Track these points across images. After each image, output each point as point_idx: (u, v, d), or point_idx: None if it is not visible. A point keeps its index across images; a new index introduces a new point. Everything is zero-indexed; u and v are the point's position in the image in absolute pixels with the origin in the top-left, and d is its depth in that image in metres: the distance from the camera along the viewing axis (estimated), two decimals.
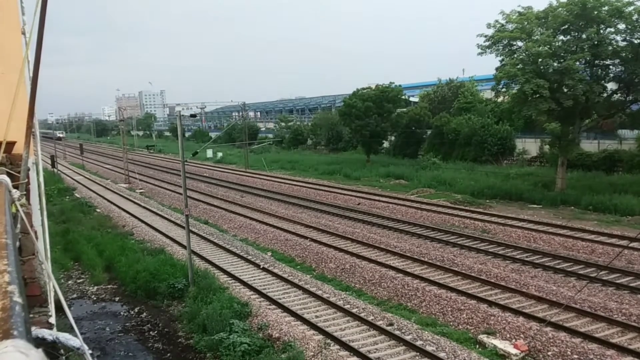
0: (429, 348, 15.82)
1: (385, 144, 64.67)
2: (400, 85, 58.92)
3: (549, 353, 15.41)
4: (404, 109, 62.49)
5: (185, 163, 23.75)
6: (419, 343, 16.16)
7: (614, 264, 20.83)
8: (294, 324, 18.07)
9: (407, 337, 16.58)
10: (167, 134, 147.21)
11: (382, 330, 17.27)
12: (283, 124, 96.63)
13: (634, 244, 22.91)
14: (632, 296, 18.76)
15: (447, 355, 15.32)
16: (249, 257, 26.64)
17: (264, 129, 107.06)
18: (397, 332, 17.01)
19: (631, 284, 19.75)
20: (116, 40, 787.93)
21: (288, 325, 17.80)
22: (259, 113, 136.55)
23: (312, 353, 15.82)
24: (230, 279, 23.31)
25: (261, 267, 24.97)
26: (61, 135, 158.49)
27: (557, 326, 16.47)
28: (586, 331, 16.16)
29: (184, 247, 25.34)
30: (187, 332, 18.93)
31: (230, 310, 18.66)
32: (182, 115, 25.82)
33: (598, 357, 14.60)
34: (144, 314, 21.20)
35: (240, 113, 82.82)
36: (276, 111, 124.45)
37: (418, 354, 15.64)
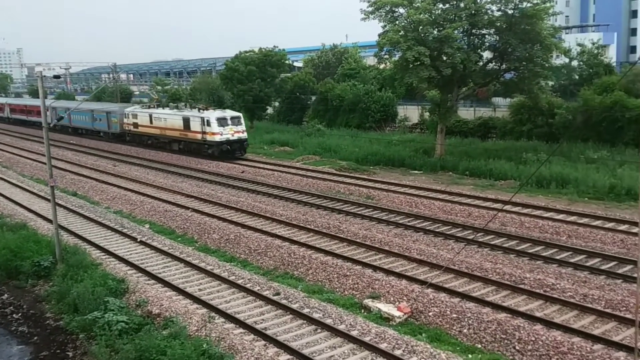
0: (315, 315, 15.75)
1: (269, 110, 63.86)
2: (284, 50, 58.11)
3: (430, 313, 15.87)
4: (288, 74, 61.91)
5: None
6: (305, 311, 16.06)
7: (489, 226, 21.99)
8: (175, 298, 17.32)
9: (294, 306, 16.42)
10: (26, 97, 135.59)
11: (268, 300, 17.00)
12: (159, 87, 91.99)
13: (507, 207, 24.31)
14: (505, 256, 19.88)
15: (333, 322, 15.32)
16: (125, 231, 25.16)
17: (137, 92, 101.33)
18: (284, 302, 16.80)
19: (504, 245, 20.99)
20: None
21: (169, 300, 17.02)
22: (132, 75, 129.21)
23: (195, 328, 15.19)
24: (103, 254, 21.94)
25: (138, 240, 23.69)
26: None
27: (437, 287, 17.05)
28: (464, 291, 16.84)
29: (49, 221, 23.45)
30: (56, 313, 17.72)
31: (104, 288, 17.67)
32: (44, 76, 23.28)
33: (475, 315, 15.20)
34: (5, 295, 19.66)
35: (111, 75, 77.46)
36: (151, 73, 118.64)
37: (305, 322, 15.50)
